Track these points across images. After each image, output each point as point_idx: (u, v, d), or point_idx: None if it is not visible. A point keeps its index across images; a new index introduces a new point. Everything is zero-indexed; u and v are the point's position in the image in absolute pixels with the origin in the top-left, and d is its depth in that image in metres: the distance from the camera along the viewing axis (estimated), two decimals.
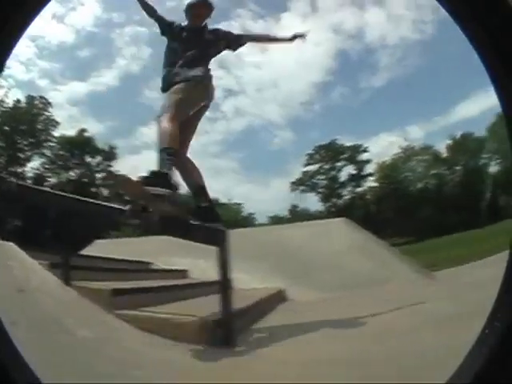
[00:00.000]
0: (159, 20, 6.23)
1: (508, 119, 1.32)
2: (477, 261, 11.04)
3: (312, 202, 64.85)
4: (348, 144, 61.66)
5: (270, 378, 3.27)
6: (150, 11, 6.17)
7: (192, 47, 6.03)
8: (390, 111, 72.81)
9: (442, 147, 63.24)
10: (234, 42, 6.30)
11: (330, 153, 61.99)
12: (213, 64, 6.18)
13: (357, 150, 62.05)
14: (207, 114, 5.98)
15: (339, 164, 62.56)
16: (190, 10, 6.25)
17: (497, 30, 1.20)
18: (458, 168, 62.20)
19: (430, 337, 3.96)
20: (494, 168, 60.79)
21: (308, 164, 63.03)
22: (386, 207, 60.42)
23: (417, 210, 58.12)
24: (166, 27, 6.22)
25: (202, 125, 5.83)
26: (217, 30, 6.33)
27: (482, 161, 61.60)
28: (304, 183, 63.35)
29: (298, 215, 58.52)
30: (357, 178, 62.81)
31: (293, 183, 63.09)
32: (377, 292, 7.37)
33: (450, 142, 62.32)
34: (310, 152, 62.89)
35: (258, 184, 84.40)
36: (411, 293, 7.17)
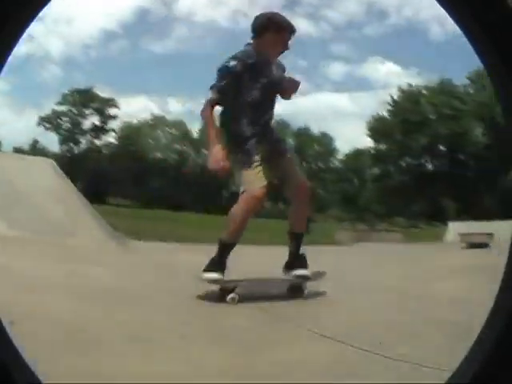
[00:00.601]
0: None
1: (508, 119, 1.33)
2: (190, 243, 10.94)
3: (54, 141, 63.27)
4: (102, 95, 60.64)
5: None
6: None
7: (264, 88, 4.80)
8: (159, 79, 76.07)
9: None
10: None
11: (83, 99, 60.62)
12: None
13: (108, 103, 61.70)
14: None
15: (87, 112, 61.71)
16: (278, 34, 4.77)
17: (496, 29, 1.21)
18: (205, 152, 64.03)
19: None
20: None
21: (59, 103, 61.14)
22: (118, 166, 60.29)
23: (149, 178, 58.77)
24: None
25: None
26: (281, 65, 5.06)
27: None
28: (50, 121, 61.52)
29: (37, 151, 57.12)
30: (98, 130, 62.32)
31: (41, 118, 61.31)
32: (57, 243, 6.98)
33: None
34: (65, 92, 61.33)
35: (14, 111, 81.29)
36: (92, 253, 6.93)
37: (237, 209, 4.59)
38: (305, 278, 4.79)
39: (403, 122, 53.21)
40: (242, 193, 4.59)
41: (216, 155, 4.55)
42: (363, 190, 62.45)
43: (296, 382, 2.64)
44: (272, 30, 4.72)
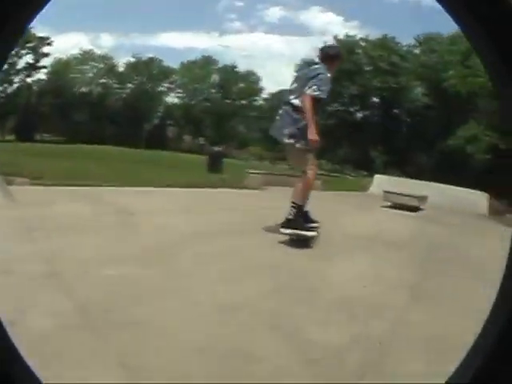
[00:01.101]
0: None
1: (508, 119, 1.31)
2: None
3: None
4: (39, 34, 58.02)
5: None
6: None
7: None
8: (93, 15, 75.88)
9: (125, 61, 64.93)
10: None
11: (23, 40, 58.37)
12: None
13: (43, 41, 59.21)
14: None
15: (23, 51, 58.91)
16: (338, 60, 6.97)
17: (496, 28, 1.17)
18: (129, 85, 63.80)
19: None
20: (171, 99, 65.07)
21: None
22: (46, 102, 59.13)
23: (73, 112, 57.59)
24: None
25: None
26: None
27: (160, 88, 64.39)
28: None
29: None
30: (31, 68, 59.87)
31: None
32: None
33: (132, 59, 63.98)
34: None
35: None
36: None
37: (309, 182, 6.24)
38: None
39: None
40: (305, 171, 6.24)
41: (315, 133, 6.01)
42: None
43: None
44: (339, 60, 7.01)
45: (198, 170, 19.35)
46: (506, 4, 1.14)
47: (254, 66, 71.75)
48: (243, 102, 64.72)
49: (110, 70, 62.94)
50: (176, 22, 79.81)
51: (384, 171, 37.33)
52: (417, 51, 53.12)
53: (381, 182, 19.01)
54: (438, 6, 1.22)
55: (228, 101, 63.15)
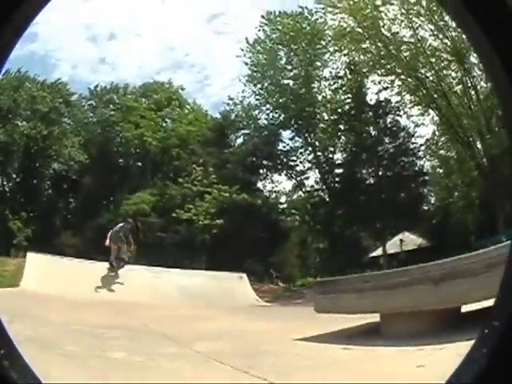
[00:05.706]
0: None
1: (508, 119, 1.31)
2: None
3: None
4: None
5: None
6: None
7: None
8: None
9: None
10: None
11: None
12: None
13: None
14: None
15: None
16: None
17: (496, 28, 1.16)
18: None
19: None
20: None
21: None
22: None
23: None
24: None
25: None
26: None
27: None
28: None
29: None
30: None
31: None
32: None
33: None
34: None
35: None
36: None
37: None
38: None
39: None
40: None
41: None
42: None
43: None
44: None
45: None
46: (505, 4, 1.15)
47: None
48: None
49: None
50: None
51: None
52: (91, 103, 44.92)
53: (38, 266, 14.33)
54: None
55: None
